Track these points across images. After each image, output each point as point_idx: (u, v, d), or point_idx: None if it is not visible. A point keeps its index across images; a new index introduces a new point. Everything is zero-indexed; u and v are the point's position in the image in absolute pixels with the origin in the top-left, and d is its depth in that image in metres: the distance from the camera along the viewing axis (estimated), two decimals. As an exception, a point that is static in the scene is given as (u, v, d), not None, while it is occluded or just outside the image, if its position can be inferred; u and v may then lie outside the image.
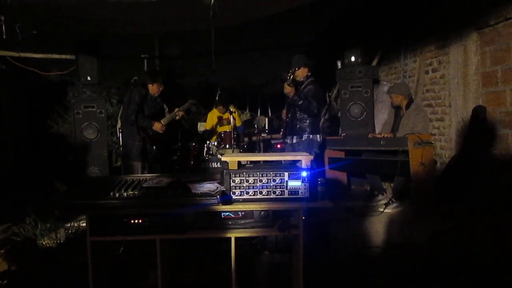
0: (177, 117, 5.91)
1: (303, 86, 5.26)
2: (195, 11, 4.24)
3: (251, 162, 3.00)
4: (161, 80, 5.83)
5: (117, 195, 2.57)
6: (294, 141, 5.34)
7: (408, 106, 5.17)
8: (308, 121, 5.23)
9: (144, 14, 4.58)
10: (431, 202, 4.66)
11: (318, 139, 5.34)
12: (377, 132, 5.82)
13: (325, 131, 6.56)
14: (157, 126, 5.63)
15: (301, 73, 5.28)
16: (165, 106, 6.03)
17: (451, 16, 5.33)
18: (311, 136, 5.26)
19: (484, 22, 4.71)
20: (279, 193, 2.65)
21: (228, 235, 2.69)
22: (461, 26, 5.12)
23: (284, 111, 5.62)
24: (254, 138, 7.15)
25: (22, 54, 6.68)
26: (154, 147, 5.78)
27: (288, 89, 5.11)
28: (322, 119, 7.57)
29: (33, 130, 8.03)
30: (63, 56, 6.97)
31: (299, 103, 5.09)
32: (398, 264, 3.89)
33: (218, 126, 7.06)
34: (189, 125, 8.09)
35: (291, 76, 5.13)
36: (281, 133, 5.70)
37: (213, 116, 7.21)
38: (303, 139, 5.26)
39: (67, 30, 5.69)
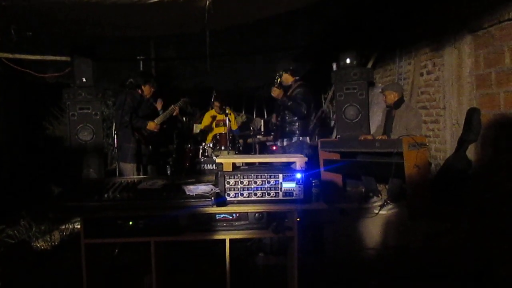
0: (175, 113, 5.89)
1: (291, 89, 5.33)
2: (190, 14, 4.24)
3: (246, 164, 3.01)
4: (153, 81, 5.83)
5: (111, 197, 2.57)
6: (285, 143, 5.41)
7: (398, 105, 5.22)
8: (297, 124, 5.29)
9: (139, 17, 4.58)
10: (426, 204, 4.67)
11: (308, 141, 5.40)
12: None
13: (313, 133, 6.67)
14: (151, 126, 5.62)
15: (285, 78, 5.34)
16: (156, 106, 6.00)
17: (445, 19, 5.36)
18: (301, 138, 5.32)
19: (478, 25, 4.74)
20: (273, 194, 2.66)
21: (223, 237, 2.69)
22: (455, 29, 5.15)
23: (274, 115, 5.67)
24: (249, 140, 7.15)
25: (17, 56, 6.65)
26: (150, 147, 5.77)
27: (276, 92, 5.17)
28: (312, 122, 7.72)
29: (28, 132, 8.00)
30: (59, 58, 6.95)
31: (289, 104, 5.15)
32: (393, 266, 3.91)
33: (214, 127, 7.07)
34: (185, 127, 8.08)
35: (279, 80, 5.19)
36: (271, 136, 5.74)
37: (209, 115, 7.22)
38: (293, 141, 5.32)
39: (63, 32, 5.68)
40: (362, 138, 5.34)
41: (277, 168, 2.84)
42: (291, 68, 5.37)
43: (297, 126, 5.29)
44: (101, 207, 2.55)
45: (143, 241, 2.70)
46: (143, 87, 5.68)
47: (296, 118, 5.27)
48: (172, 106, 5.85)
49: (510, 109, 4.35)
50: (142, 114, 5.66)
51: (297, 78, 5.41)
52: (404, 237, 4.32)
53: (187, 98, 6.19)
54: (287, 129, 5.36)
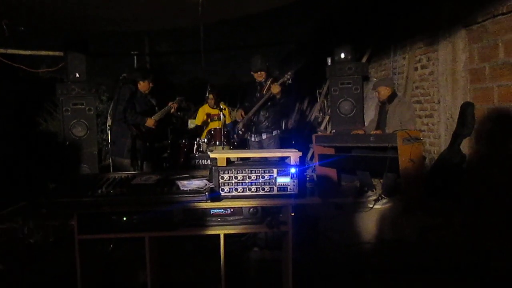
0: (173, 110, 5.89)
1: (266, 86, 5.53)
2: (183, 8, 4.22)
3: (241, 158, 3.00)
4: (152, 78, 5.79)
5: (105, 192, 2.55)
6: (264, 137, 5.67)
7: (391, 100, 5.22)
8: (273, 119, 5.63)
9: (132, 11, 4.55)
10: (421, 198, 4.68)
11: (279, 134, 5.80)
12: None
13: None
14: (150, 123, 5.59)
15: (260, 76, 5.59)
16: (154, 102, 5.98)
17: (440, 13, 5.36)
18: (279, 131, 5.73)
19: (472, 19, 4.74)
20: (268, 189, 2.64)
21: (217, 232, 2.68)
22: (450, 23, 5.15)
23: (241, 112, 5.84)
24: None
25: (10, 51, 6.60)
26: (148, 143, 5.75)
27: (278, 89, 5.29)
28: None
29: (21, 127, 7.95)
30: (52, 53, 6.90)
31: (281, 101, 5.47)
32: (387, 260, 3.91)
33: (209, 122, 7.05)
34: (179, 122, 8.06)
35: (289, 79, 5.30)
36: (241, 131, 5.84)
37: (203, 111, 7.20)
38: (273, 134, 5.65)
39: (55, 27, 5.64)
40: (354, 133, 5.34)
41: (271, 162, 2.83)
42: (267, 64, 5.66)
43: (273, 121, 5.62)
44: (95, 202, 2.53)
45: (137, 237, 2.69)
46: (142, 82, 5.64)
47: (273, 114, 5.59)
48: (170, 104, 5.84)
49: (504, 103, 4.36)
50: (140, 109, 5.63)
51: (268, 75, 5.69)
52: (398, 231, 4.33)
53: (183, 97, 6.19)
54: (266, 124, 5.63)
